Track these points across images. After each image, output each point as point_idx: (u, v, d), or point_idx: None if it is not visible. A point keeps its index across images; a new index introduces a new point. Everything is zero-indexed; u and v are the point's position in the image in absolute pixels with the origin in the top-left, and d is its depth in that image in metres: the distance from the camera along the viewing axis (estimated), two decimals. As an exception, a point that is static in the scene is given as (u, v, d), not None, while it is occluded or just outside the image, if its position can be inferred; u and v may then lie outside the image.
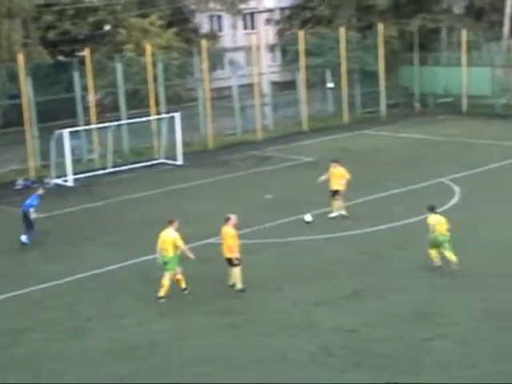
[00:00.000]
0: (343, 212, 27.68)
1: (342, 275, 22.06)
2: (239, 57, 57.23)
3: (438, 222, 21.62)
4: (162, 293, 20.45)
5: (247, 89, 46.93)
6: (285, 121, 47.83)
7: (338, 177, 27.54)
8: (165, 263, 20.56)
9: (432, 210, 21.98)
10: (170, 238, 20.47)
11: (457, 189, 30.51)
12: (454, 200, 28.74)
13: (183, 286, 20.80)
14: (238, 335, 18.37)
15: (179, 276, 20.70)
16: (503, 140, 40.34)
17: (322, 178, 28.06)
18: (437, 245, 21.75)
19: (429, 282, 21.07)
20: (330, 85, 49.34)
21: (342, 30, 47.90)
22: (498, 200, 29.00)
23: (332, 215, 27.60)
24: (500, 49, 62.29)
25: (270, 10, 61.62)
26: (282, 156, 39.65)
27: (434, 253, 21.86)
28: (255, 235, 25.55)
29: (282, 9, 59.98)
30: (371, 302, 20.02)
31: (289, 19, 57.81)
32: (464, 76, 49.77)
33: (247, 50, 50.27)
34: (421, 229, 25.79)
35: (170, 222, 20.87)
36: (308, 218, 26.98)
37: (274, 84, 50.51)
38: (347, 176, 27.62)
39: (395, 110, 51.71)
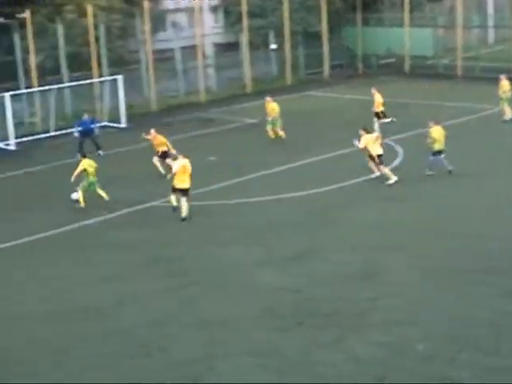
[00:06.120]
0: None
1: (287, 236, 22.13)
2: (182, 18, 56.48)
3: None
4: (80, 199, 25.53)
5: (190, 50, 46.47)
6: (228, 83, 47.55)
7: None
8: (90, 184, 25.41)
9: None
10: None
11: (400, 149, 30.73)
12: (397, 161, 28.91)
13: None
14: (181, 298, 18.36)
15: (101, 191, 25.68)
16: (446, 100, 40.65)
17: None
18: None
19: (373, 243, 21.26)
20: (273, 46, 49.17)
21: (285, -9, 47.69)
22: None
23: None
24: (442, 9, 62.71)
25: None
26: (225, 118, 39.49)
27: None
28: (200, 197, 25.48)
29: (224, -31, 59.30)
30: (316, 262, 20.15)
31: (231, -20, 57.23)
32: (406, 37, 49.97)
33: (190, 11, 49.64)
34: (366, 189, 26.06)
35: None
36: None
37: (217, 45, 50.14)
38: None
39: (339, 70, 51.75)
